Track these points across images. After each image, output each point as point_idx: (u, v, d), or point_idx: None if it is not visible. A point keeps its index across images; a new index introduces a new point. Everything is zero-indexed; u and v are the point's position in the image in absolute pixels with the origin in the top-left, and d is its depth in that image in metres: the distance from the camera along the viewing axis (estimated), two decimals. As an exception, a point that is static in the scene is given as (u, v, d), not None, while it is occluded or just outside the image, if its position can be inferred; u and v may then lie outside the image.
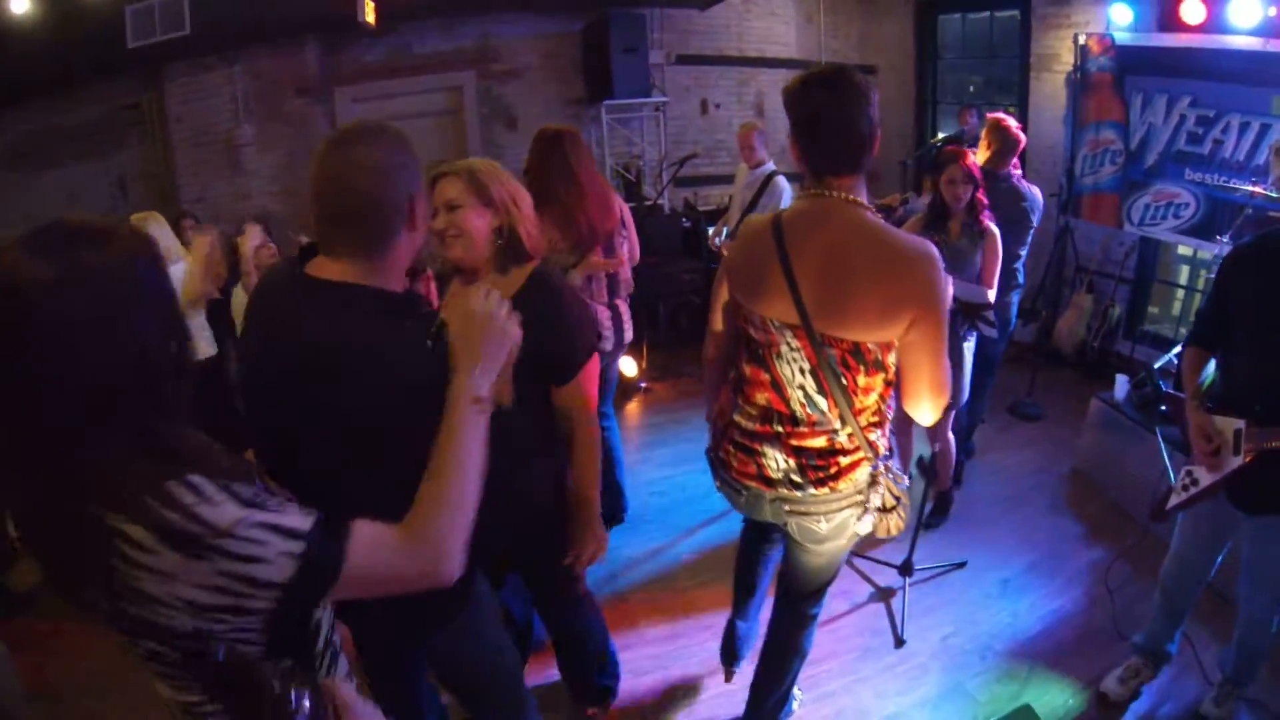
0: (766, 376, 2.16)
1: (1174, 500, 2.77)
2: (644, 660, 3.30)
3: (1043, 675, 3.17)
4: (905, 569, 3.63)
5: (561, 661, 2.89)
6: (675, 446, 5.16)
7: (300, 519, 1.15)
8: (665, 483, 4.69)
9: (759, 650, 2.76)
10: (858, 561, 3.90)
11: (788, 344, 2.09)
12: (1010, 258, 4.28)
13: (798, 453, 2.16)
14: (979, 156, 4.34)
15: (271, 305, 1.59)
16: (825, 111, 1.97)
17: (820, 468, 2.16)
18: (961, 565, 3.88)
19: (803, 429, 2.14)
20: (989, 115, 4.52)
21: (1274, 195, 4.34)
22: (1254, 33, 5.09)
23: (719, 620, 3.20)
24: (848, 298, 1.97)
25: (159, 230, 4.01)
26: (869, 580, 3.80)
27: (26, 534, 1.13)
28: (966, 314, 3.60)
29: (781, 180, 5.54)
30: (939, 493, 4.26)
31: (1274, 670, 2.92)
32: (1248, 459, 2.45)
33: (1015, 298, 4.56)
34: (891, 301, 1.94)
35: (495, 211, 2.14)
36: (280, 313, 1.55)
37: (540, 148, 3.48)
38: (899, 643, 3.38)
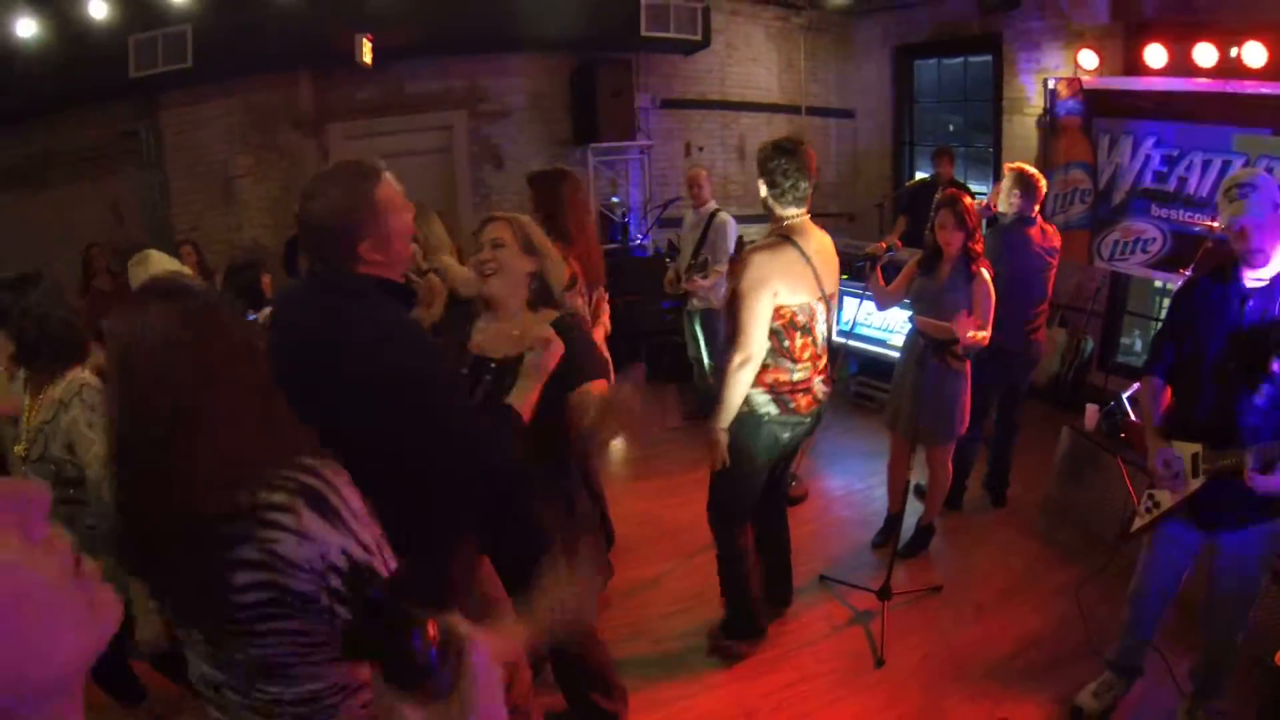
0: (809, 339, 3.16)
1: (1138, 523, 2.90)
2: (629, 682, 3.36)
3: (1019, 692, 3.25)
4: (883, 593, 3.70)
5: (561, 681, 2.89)
6: (656, 481, 5.25)
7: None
8: (647, 516, 4.76)
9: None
10: (836, 586, 4.00)
11: (817, 312, 3.15)
12: (1042, 300, 4.47)
13: (821, 372, 3.26)
14: (1002, 204, 4.43)
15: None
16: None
17: (827, 373, 3.29)
18: (938, 589, 3.97)
19: (823, 358, 3.25)
20: (1009, 166, 4.55)
21: None
22: (1213, 74, 5.35)
23: (693, 642, 3.42)
24: (832, 271, 3.18)
25: (162, 263, 4.09)
26: (848, 604, 3.88)
27: (149, 565, 1.28)
28: (935, 349, 3.73)
29: (724, 216, 5.67)
30: (922, 524, 4.36)
31: (1244, 681, 3.00)
32: (1205, 480, 2.59)
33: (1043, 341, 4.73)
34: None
35: (534, 258, 2.42)
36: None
37: (547, 187, 3.64)
38: (878, 663, 3.45)
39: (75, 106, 6.14)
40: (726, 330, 3.24)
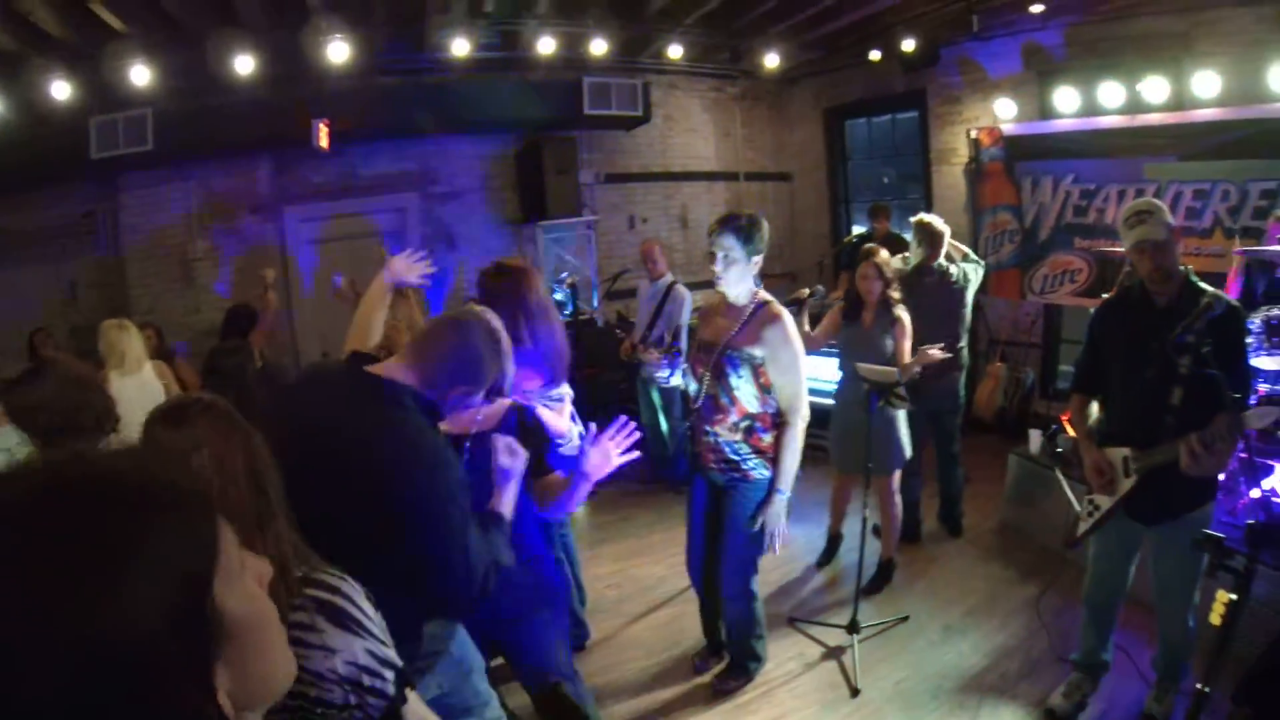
0: None
1: (1082, 527, 3.11)
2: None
3: (993, 703, 3.37)
4: (852, 627, 3.82)
5: None
6: (623, 543, 5.36)
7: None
8: (618, 575, 4.86)
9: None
10: (805, 625, 4.10)
11: None
12: (952, 340, 4.67)
13: None
14: (914, 256, 4.80)
15: None
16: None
17: None
18: (904, 619, 4.08)
19: None
20: (913, 218, 4.93)
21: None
22: (1120, 111, 5.77)
23: (674, 691, 3.50)
24: None
25: (129, 337, 4.16)
26: (818, 641, 3.96)
27: None
28: (880, 392, 3.94)
29: (681, 288, 5.88)
30: (883, 560, 4.49)
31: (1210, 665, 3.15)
32: (1136, 479, 2.82)
33: (961, 377, 4.97)
34: None
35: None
36: None
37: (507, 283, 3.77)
38: (854, 692, 3.53)
39: (35, 186, 6.17)
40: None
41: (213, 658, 0.66)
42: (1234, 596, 2.20)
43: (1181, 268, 2.83)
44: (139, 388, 3.98)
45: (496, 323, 2.03)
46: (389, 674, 1.34)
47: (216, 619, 0.66)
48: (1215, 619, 2.51)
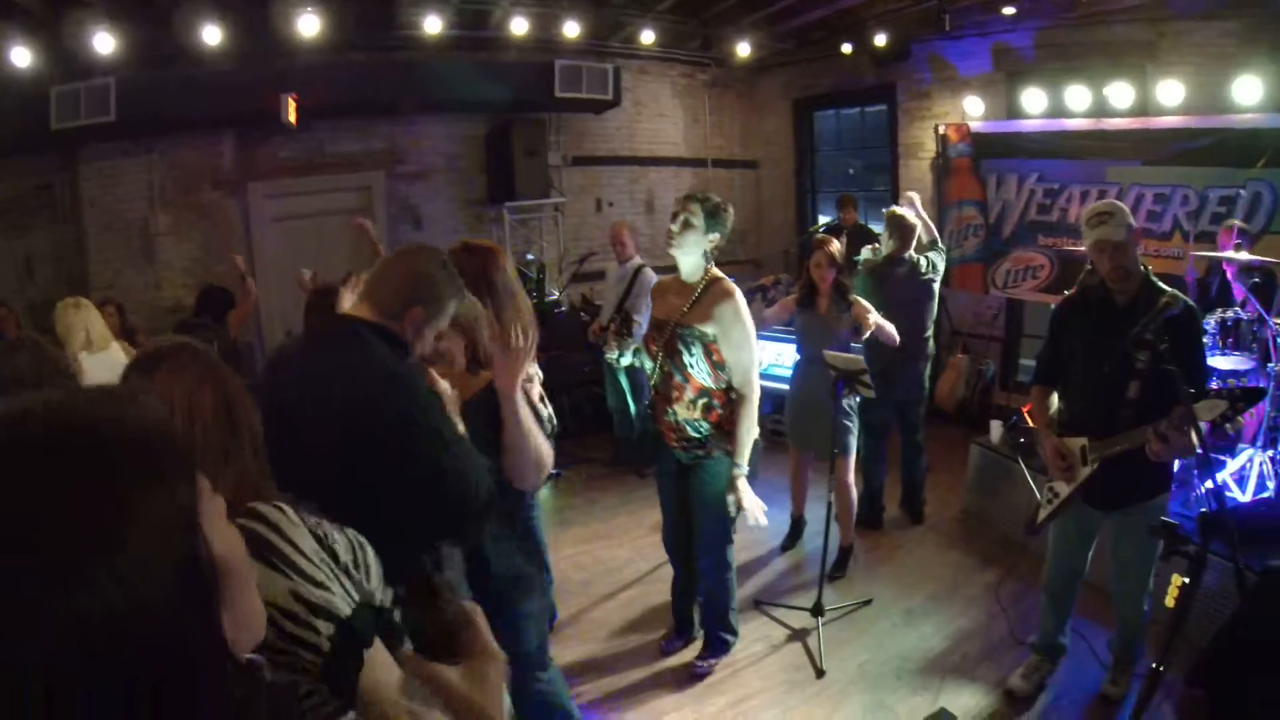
0: None
1: (1043, 514, 3.23)
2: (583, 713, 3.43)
3: (954, 683, 3.48)
4: (816, 610, 3.90)
5: None
6: (589, 525, 5.41)
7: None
8: (584, 556, 4.90)
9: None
10: (770, 608, 4.18)
11: None
12: (919, 330, 4.83)
13: None
14: (885, 247, 4.91)
15: None
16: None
17: None
18: (867, 602, 4.18)
19: None
20: (886, 210, 5.05)
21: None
22: (1086, 115, 5.92)
23: (642, 672, 3.56)
24: None
25: (88, 315, 4.06)
26: (783, 624, 4.05)
27: None
28: (847, 380, 4.02)
29: (649, 271, 5.90)
30: (842, 546, 4.58)
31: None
32: (1094, 467, 2.94)
33: (926, 367, 5.08)
34: None
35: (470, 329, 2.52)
36: None
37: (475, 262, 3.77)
38: (820, 673, 3.62)
39: None
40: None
41: (217, 600, 0.66)
42: (1187, 580, 2.29)
43: (1141, 268, 2.93)
44: (110, 367, 3.88)
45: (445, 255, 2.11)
46: (321, 624, 1.15)
47: (209, 561, 0.66)
48: (1170, 601, 2.63)
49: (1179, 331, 2.73)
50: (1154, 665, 2.34)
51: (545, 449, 2.35)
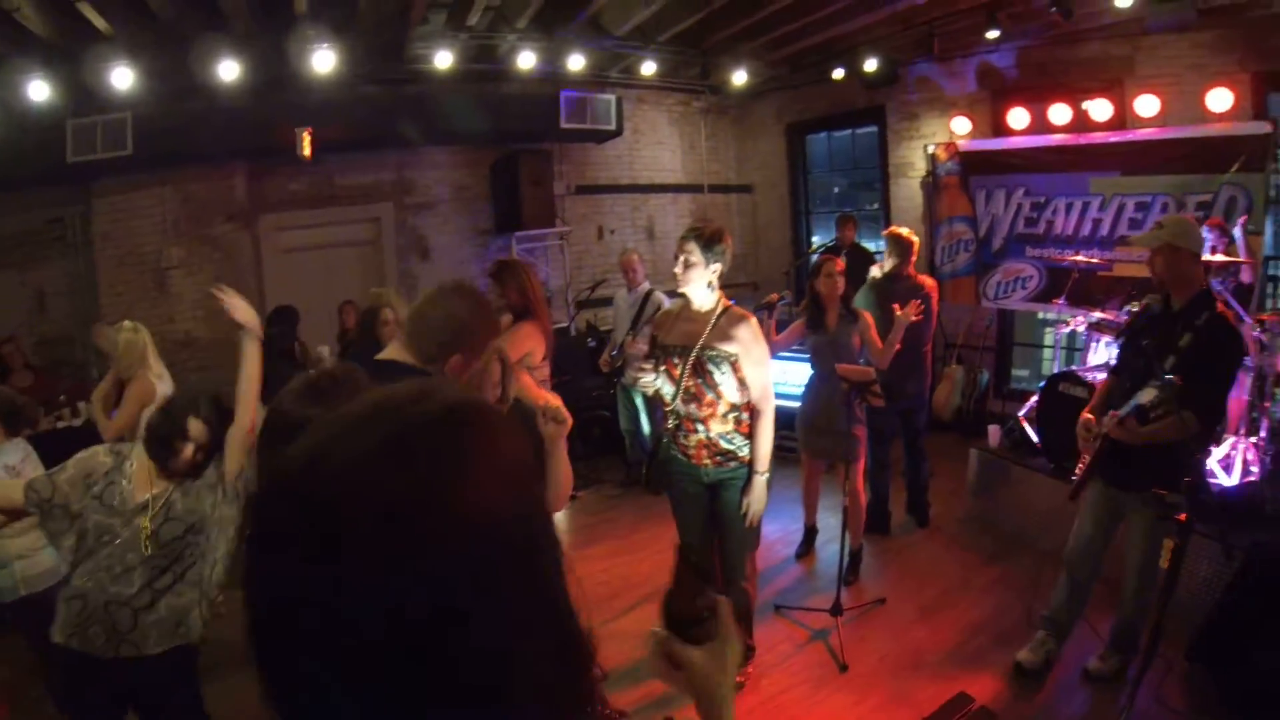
0: None
1: (1076, 481, 3.41)
2: None
3: (973, 670, 3.68)
4: (835, 609, 4.07)
5: None
6: (609, 542, 5.53)
7: None
8: (605, 573, 4.99)
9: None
10: (791, 612, 4.34)
11: None
12: (920, 342, 5.02)
13: None
14: (885, 264, 5.15)
15: None
16: None
17: None
18: (882, 601, 4.37)
19: None
20: (885, 231, 5.26)
21: (1094, 261, 5.47)
22: (1068, 129, 6.21)
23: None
24: None
25: (144, 338, 4.14)
26: (805, 626, 4.22)
27: None
28: (859, 390, 4.21)
29: (659, 295, 6.08)
30: (852, 549, 4.72)
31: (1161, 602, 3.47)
32: (1102, 438, 3.15)
33: (927, 377, 5.31)
34: None
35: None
36: None
37: (516, 274, 3.98)
38: (843, 668, 3.80)
39: (6, 190, 5.99)
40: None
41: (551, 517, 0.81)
42: (1178, 541, 2.61)
43: (1200, 283, 3.19)
44: (169, 388, 4.03)
45: (474, 286, 2.20)
46: None
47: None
48: (1163, 563, 2.89)
49: (1207, 342, 3.01)
50: (1151, 627, 2.56)
51: (569, 473, 2.47)
